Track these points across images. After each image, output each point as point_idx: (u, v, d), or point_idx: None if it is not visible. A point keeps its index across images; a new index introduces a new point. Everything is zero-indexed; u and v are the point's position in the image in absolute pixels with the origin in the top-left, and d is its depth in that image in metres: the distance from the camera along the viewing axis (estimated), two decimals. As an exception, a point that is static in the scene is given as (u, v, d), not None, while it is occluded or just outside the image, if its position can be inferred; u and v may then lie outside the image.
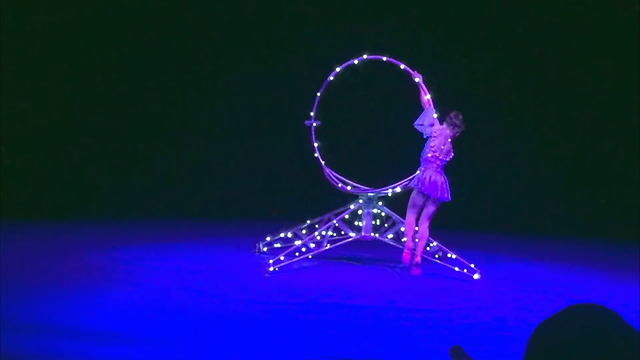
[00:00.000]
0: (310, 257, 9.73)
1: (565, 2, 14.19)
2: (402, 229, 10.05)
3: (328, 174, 10.11)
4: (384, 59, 9.77)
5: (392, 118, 13.72)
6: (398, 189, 9.89)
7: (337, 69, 9.83)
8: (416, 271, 9.25)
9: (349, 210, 10.02)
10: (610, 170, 14.02)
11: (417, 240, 9.31)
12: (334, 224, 9.95)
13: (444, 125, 9.19)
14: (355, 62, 9.84)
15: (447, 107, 9.71)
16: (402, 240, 10.22)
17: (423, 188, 9.12)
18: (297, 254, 9.64)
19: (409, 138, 11.88)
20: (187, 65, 14.67)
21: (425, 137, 9.29)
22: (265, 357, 5.67)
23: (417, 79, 9.59)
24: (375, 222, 10.05)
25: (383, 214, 10.08)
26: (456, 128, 9.22)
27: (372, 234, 9.84)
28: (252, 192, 14.35)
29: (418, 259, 9.25)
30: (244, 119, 14.48)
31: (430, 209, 9.20)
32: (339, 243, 9.83)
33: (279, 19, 14.46)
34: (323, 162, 10.07)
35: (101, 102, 14.24)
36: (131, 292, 7.71)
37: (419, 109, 9.68)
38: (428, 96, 9.47)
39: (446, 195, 9.16)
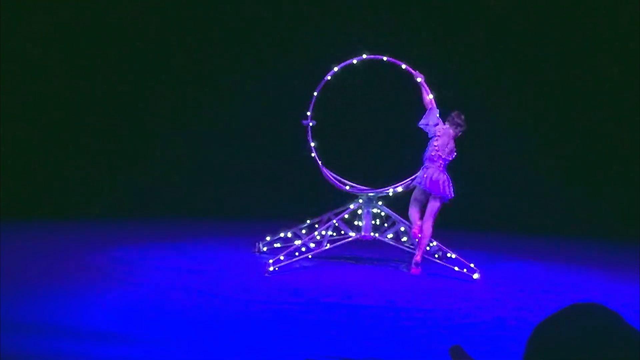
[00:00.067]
0: (310, 256, 9.73)
1: (566, 2, 14.19)
2: (402, 228, 10.08)
3: (327, 174, 10.10)
4: (385, 58, 9.76)
5: (392, 118, 13.73)
6: (400, 189, 9.90)
7: (335, 69, 9.82)
8: (416, 270, 9.27)
9: (349, 210, 10.02)
10: (610, 170, 14.01)
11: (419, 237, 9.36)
12: (334, 223, 9.95)
13: (447, 125, 9.28)
14: (354, 61, 9.84)
15: (447, 107, 9.73)
16: (402, 239, 10.25)
17: (424, 185, 9.22)
18: (297, 253, 9.64)
19: (409, 138, 11.91)
20: (187, 65, 14.67)
21: (429, 136, 9.36)
22: (265, 357, 5.67)
23: (419, 79, 9.60)
24: (375, 221, 10.05)
25: (383, 213, 10.09)
26: (459, 127, 9.35)
27: (372, 234, 9.85)
28: (252, 192, 14.35)
29: (418, 258, 9.28)
30: (244, 118, 14.48)
31: (433, 206, 9.26)
32: (339, 243, 9.83)
33: (278, 19, 14.45)
34: (320, 162, 10.05)
35: (101, 102, 14.24)
36: (131, 292, 7.71)
37: (419, 109, 9.71)
38: (431, 96, 9.50)
39: (448, 192, 9.22)
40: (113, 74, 14.22)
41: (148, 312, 6.90)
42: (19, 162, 13.63)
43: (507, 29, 14.19)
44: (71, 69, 14.01)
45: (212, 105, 14.66)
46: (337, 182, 10.11)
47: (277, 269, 9.14)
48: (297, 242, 9.95)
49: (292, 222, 10.65)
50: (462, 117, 9.40)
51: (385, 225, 10.19)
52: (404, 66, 9.70)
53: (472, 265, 9.30)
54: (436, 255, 9.84)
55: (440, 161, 9.28)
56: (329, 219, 10.21)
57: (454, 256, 9.49)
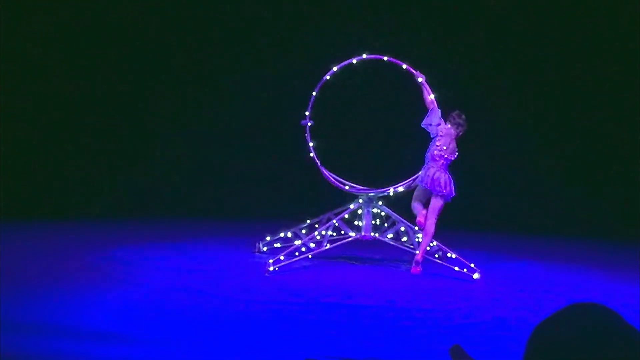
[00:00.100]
0: (310, 256, 9.73)
1: (566, 2, 14.18)
2: (402, 228, 10.09)
3: (326, 174, 10.08)
4: (385, 58, 9.75)
5: (392, 118, 13.73)
6: (400, 189, 9.92)
7: (335, 68, 9.82)
8: (416, 269, 9.27)
9: (349, 209, 10.02)
10: (610, 169, 14.01)
11: (420, 236, 9.39)
12: (334, 223, 9.95)
13: (449, 125, 9.32)
14: (354, 61, 9.83)
15: (447, 107, 9.74)
16: (402, 239, 10.26)
17: (425, 184, 9.27)
18: (297, 253, 9.64)
19: (409, 138, 11.90)
20: (187, 65, 14.67)
21: (432, 136, 9.40)
22: (265, 357, 5.67)
23: (420, 79, 9.61)
24: (375, 221, 10.05)
25: (383, 213, 10.09)
26: (459, 127, 9.42)
27: (372, 234, 9.85)
28: (252, 192, 14.35)
29: (419, 257, 9.28)
30: (244, 118, 14.48)
31: (435, 204, 9.29)
32: (339, 243, 9.83)
33: (278, 19, 14.45)
34: (319, 162, 10.04)
35: (101, 102, 14.24)
36: (131, 292, 7.71)
37: (420, 109, 9.72)
38: (432, 96, 9.52)
39: (449, 190, 9.25)
40: (113, 74, 14.22)
41: (148, 312, 6.90)
42: (19, 162, 13.63)
43: (507, 29, 14.19)
44: (71, 69, 14.01)
45: (212, 105, 14.66)
46: (336, 182, 10.11)
47: (277, 268, 9.14)
48: (297, 242, 9.95)
49: (292, 222, 10.65)
50: (463, 116, 9.44)
51: (385, 225, 10.19)
52: (404, 66, 9.70)
53: (472, 265, 9.30)
54: (436, 255, 9.84)
55: (443, 160, 9.34)
56: (329, 219, 10.21)
57: (454, 256, 9.50)
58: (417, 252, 9.48)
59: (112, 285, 7.96)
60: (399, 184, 9.95)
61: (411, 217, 10.01)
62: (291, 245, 9.87)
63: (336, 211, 10.28)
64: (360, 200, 9.95)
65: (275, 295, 7.86)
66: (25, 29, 13.72)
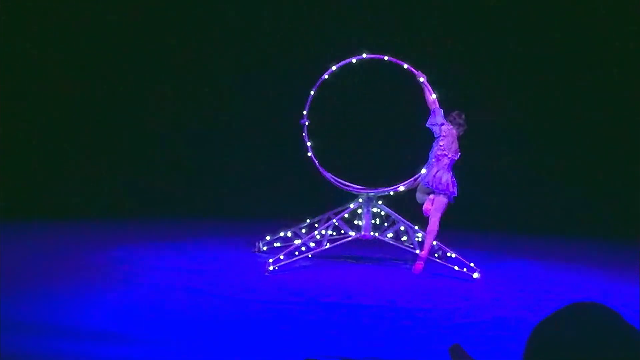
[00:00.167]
0: (310, 256, 9.73)
1: (566, 2, 14.18)
2: (402, 227, 10.09)
3: (325, 174, 10.06)
4: (386, 58, 9.75)
5: (393, 118, 13.74)
6: (402, 188, 9.93)
7: (333, 68, 9.81)
8: (418, 266, 9.24)
9: (349, 209, 10.02)
10: (611, 169, 14.01)
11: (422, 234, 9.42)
12: (334, 223, 9.95)
13: (451, 125, 9.36)
14: (354, 60, 9.83)
15: (448, 106, 9.76)
16: (402, 239, 10.26)
17: (425, 183, 9.32)
18: (296, 253, 9.64)
19: (410, 138, 11.91)
20: (187, 65, 14.67)
21: (435, 136, 9.43)
22: (265, 357, 5.67)
23: (421, 79, 9.61)
24: (375, 221, 10.06)
25: (383, 213, 10.09)
26: (460, 127, 9.50)
27: (372, 233, 9.85)
28: (252, 191, 14.35)
29: (423, 254, 9.27)
30: (244, 118, 14.48)
31: (439, 203, 9.30)
32: (339, 242, 9.83)
33: (278, 19, 14.45)
34: (317, 162, 10.04)
35: (101, 102, 14.24)
36: (131, 291, 7.71)
37: (420, 108, 9.73)
38: (434, 95, 9.53)
39: (452, 190, 9.27)
40: (113, 73, 14.23)
41: (148, 312, 6.89)
42: (19, 162, 13.64)
43: (507, 28, 14.19)
44: (71, 69, 14.02)
45: (212, 105, 14.67)
46: (336, 181, 10.11)
47: (277, 268, 9.14)
48: (297, 242, 9.95)
49: (292, 221, 10.65)
50: (463, 116, 9.51)
51: (385, 224, 10.20)
52: (405, 66, 9.69)
53: (472, 264, 9.30)
54: (436, 255, 9.84)
55: (446, 160, 9.38)
56: (329, 219, 10.22)
57: (454, 255, 9.50)
58: (418, 251, 9.51)
59: (112, 285, 7.96)
60: (399, 184, 9.96)
61: (411, 217, 10.02)
62: (291, 245, 9.87)
63: (336, 210, 10.28)
64: (360, 200, 9.96)
65: (275, 295, 7.86)
66: (25, 29, 13.72)
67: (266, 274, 8.99)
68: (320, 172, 10.08)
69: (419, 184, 9.68)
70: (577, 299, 1.95)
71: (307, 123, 10.00)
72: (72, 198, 13.78)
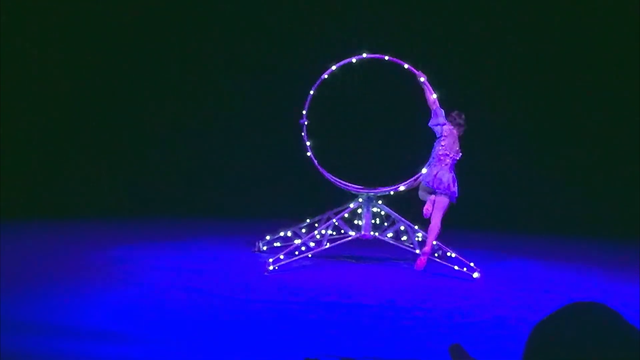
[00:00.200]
0: (309, 255, 9.73)
1: (567, 2, 14.18)
2: (402, 227, 10.10)
3: (325, 173, 10.06)
4: (386, 58, 9.74)
5: (393, 118, 13.74)
6: (402, 188, 9.94)
7: (333, 67, 9.81)
8: (420, 262, 9.21)
9: (349, 209, 10.02)
10: (610, 168, 14.01)
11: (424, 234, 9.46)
12: (334, 222, 9.95)
13: (452, 125, 9.38)
14: (354, 60, 9.82)
15: (448, 106, 9.77)
16: (402, 238, 10.26)
17: (426, 182, 9.37)
18: (296, 252, 9.64)
19: (410, 138, 11.90)
20: (187, 65, 14.67)
21: (437, 136, 9.44)
22: (265, 356, 5.67)
23: (422, 79, 9.60)
24: (375, 220, 10.05)
25: (383, 212, 10.09)
26: (460, 127, 9.52)
27: (372, 233, 9.85)
28: (252, 191, 14.35)
29: (427, 248, 9.25)
30: (243, 118, 14.48)
31: (440, 203, 9.32)
32: (339, 242, 9.83)
33: (279, 19, 14.45)
34: (316, 162, 10.04)
35: (101, 102, 14.24)
36: (131, 291, 7.71)
37: (420, 108, 9.74)
38: (435, 95, 9.53)
39: (453, 190, 9.29)
40: (113, 73, 14.23)
41: (148, 312, 6.89)
42: (19, 162, 13.64)
43: (508, 28, 14.19)
44: (71, 69, 14.02)
45: (212, 105, 14.66)
46: (335, 181, 10.10)
47: (276, 268, 9.14)
48: (297, 241, 9.95)
49: (292, 221, 10.65)
50: (463, 116, 9.52)
51: (385, 224, 10.20)
52: (406, 66, 9.69)
53: (472, 264, 9.30)
54: (436, 255, 9.84)
55: (448, 160, 9.41)
56: (329, 218, 10.22)
57: (453, 255, 9.50)
58: (418, 251, 9.53)
59: (111, 285, 7.96)
60: (400, 184, 9.97)
61: (411, 217, 10.02)
62: (291, 245, 9.88)
63: (336, 210, 10.28)
64: (360, 200, 9.95)
65: (275, 295, 7.86)
66: (25, 29, 13.72)
67: (266, 273, 8.99)
68: (319, 172, 10.07)
69: (419, 183, 9.71)
70: (577, 299, 1.95)
71: (306, 123, 10.00)
72: (72, 198, 13.78)
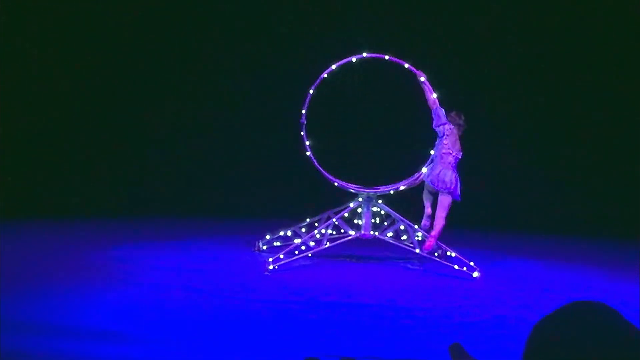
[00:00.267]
0: (309, 255, 9.73)
1: (567, 2, 14.17)
2: (402, 227, 10.10)
3: (327, 175, 10.04)
4: (386, 57, 9.74)
5: (392, 117, 13.73)
6: (402, 187, 9.96)
7: (333, 67, 9.80)
8: (429, 244, 9.36)
9: (349, 208, 10.02)
10: (610, 168, 14.00)
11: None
12: (334, 222, 9.95)
13: (452, 125, 9.45)
14: (354, 59, 9.82)
15: (448, 106, 9.80)
16: (402, 238, 10.27)
17: (429, 180, 9.45)
18: (296, 252, 9.64)
19: (410, 137, 11.90)
20: (187, 64, 14.66)
21: (439, 136, 9.51)
22: (265, 356, 5.67)
23: (422, 78, 9.62)
24: (375, 220, 10.06)
25: (383, 212, 10.09)
26: (460, 127, 9.63)
27: (372, 232, 9.85)
28: (252, 190, 14.34)
29: (434, 232, 9.35)
30: (243, 116, 14.47)
31: (443, 201, 9.43)
32: (339, 241, 9.83)
33: (278, 18, 14.44)
34: (316, 161, 10.03)
35: (101, 101, 14.23)
36: (131, 291, 7.71)
37: (420, 108, 9.76)
38: (435, 95, 9.56)
39: (454, 189, 9.37)
40: (113, 73, 14.21)
41: (148, 311, 6.90)
42: (19, 162, 13.63)
43: (508, 28, 14.18)
44: (71, 69, 14.01)
45: (212, 105, 14.65)
46: (335, 180, 10.10)
47: (276, 267, 9.14)
48: (297, 241, 9.95)
49: (292, 220, 10.65)
50: (462, 116, 9.62)
51: (385, 223, 10.20)
52: (406, 65, 9.69)
53: (471, 263, 9.31)
54: (436, 254, 9.84)
55: (451, 158, 9.50)
56: (329, 218, 10.22)
57: (453, 255, 9.50)
58: (418, 250, 9.64)
59: (111, 285, 7.96)
60: (400, 183, 9.98)
61: (411, 216, 10.02)
62: (291, 244, 9.87)
63: (336, 210, 10.28)
64: (360, 199, 9.95)
65: (275, 294, 7.87)
66: (25, 29, 13.72)
67: (266, 273, 8.99)
68: (319, 172, 10.06)
69: (419, 183, 9.78)
70: (577, 298, 1.95)
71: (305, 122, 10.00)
72: (72, 198, 13.78)
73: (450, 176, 9.41)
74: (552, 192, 14.15)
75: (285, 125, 12.45)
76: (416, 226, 9.85)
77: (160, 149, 14.64)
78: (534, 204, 14.17)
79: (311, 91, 9.84)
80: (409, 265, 10.00)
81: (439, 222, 9.43)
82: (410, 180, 9.95)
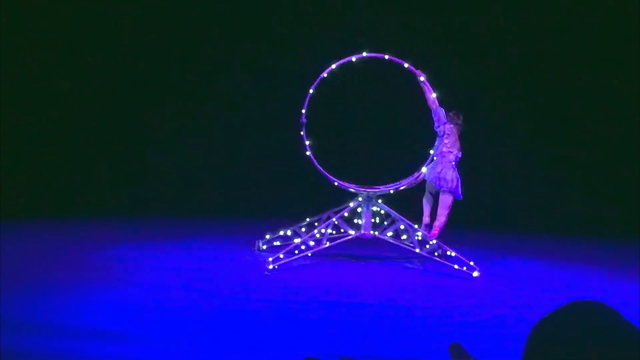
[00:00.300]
0: (309, 254, 9.73)
1: (568, 2, 14.16)
2: (402, 226, 10.11)
3: (327, 174, 10.04)
4: (386, 57, 9.75)
5: (392, 117, 13.73)
6: (402, 187, 9.97)
7: (333, 66, 9.80)
8: (433, 233, 9.48)
9: (349, 208, 10.02)
10: (610, 168, 14.00)
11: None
12: (334, 221, 9.95)
13: (452, 124, 9.51)
14: (354, 59, 9.82)
15: (449, 106, 9.81)
16: (402, 237, 10.27)
17: (430, 179, 9.48)
18: (296, 251, 9.64)
19: (409, 137, 11.89)
20: (187, 64, 14.65)
21: (439, 135, 9.54)
22: (265, 355, 5.68)
23: (421, 78, 9.64)
24: (375, 219, 10.06)
25: (382, 211, 10.10)
26: (459, 127, 9.71)
27: (372, 232, 9.85)
28: (251, 190, 14.34)
29: (438, 223, 9.42)
30: (243, 116, 14.46)
31: (444, 199, 9.50)
32: (339, 241, 9.84)
33: (278, 18, 14.44)
34: (316, 161, 10.03)
35: (101, 101, 14.23)
36: (131, 290, 7.72)
37: (420, 107, 9.76)
38: (434, 95, 9.59)
39: (456, 188, 9.42)
40: (113, 73, 14.21)
41: (148, 311, 6.90)
42: (19, 162, 13.63)
43: (508, 28, 14.17)
44: (71, 69, 14.01)
45: (212, 105, 14.65)
46: (335, 180, 10.10)
47: (276, 267, 9.14)
48: (297, 240, 9.95)
49: (292, 220, 10.65)
50: (461, 116, 9.71)
51: (385, 223, 10.20)
52: (406, 65, 9.70)
53: (471, 263, 9.31)
54: (436, 254, 9.85)
55: (452, 156, 9.58)
56: (329, 217, 10.22)
57: (453, 254, 9.51)
58: (418, 250, 9.67)
59: (111, 284, 7.96)
60: (400, 182, 9.99)
61: (411, 215, 10.03)
62: (291, 244, 9.88)
63: (336, 209, 10.28)
64: (360, 199, 9.96)
65: (275, 294, 7.87)
66: (25, 29, 13.71)
67: (266, 272, 9.00)
68: (319, 171, 10.06)
69: (418, 182, 9.82)
70: (576, 298, 1.95)
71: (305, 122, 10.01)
72: (72, 198, 13.78)
73: (451, 175, 9.50)
74: (552, 192, 14.15)
75: (285, 125, 12.45)
76: (416, 226, 9.86)
77: (160, 149, 14.64)
78: (534, 204, 14.16)
79: (311, 91, 9.84)
80: (408, 265, 10.00)
81: (441, 218, 9.50)
82: (410, 179, 9.98)
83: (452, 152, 9.55)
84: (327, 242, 9.76)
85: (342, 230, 10.08)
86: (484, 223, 13.38)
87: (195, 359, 5.61)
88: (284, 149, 13.70)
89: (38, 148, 13.87)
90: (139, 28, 14.27)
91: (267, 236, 10.57)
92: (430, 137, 9.96)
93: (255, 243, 10.61)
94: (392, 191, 10.05)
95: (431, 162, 9.81)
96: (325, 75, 9.81)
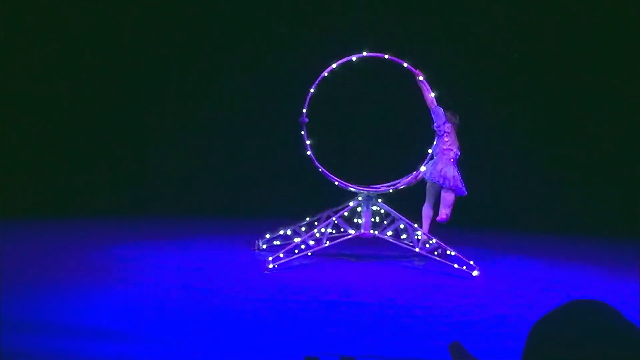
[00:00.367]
0: (309, 254, 9.74)
1: (568, 2, 14.16)
2: (402, 226, 10.12)
3: (327, 174, 10.04)
4: (386, 56, 9.76)
5: (392, 117, 13.73)
6: (401, 186, 9.99)
7: (334, 65, 9.81)
8: (442, 216, 9.57)
9: (349, 207, 10.03)
10: (610, 168, 14.00)
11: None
12: (334, 221, 9.96)
13: (450, 123, 9.58)
14: (354, 58, 9.83)
15: (449, 106, 9.83)
16: (402, 237, 10.28)
17: (432, 177, 9.57)
18: (296, 251, 9.64)
19: (409, 136, 11.89)
20: (187, 64, 14.66)
21: (439, 134, 9.57)
22: (265, 355, 5.68)
23: (420, 77, 9.66)
24: (375, 219, 10.07)
25: (382, 211, 10.10)
26: (455, 126, 9.83)
27: (372, 231, 9.86)
28: (251, 189, 14.35)
29: (444, 210, 9.56)
30: (243, 116, 14.46)
31: (446, 197, 9.53)
32: (339, 240, 9.84)
33: (278, 18, 14.44)
34: (316, 161, 10.02)
35: (101, 101, 14.23)
36: (131, 290, 7.72)
37: (420, 107, 9.78)
38: (432, 94, 9.62)
39: (457, 184, 9.47)
40: (113, 73, 14.21)
41: (148, 311, 6.90)
42: (19, 162, 13.63)
43: (508, 28, 14.17)
44: (71, 69, 14.01)
45: (212, 104, 14.65)
46: (335, 180, 10.10)
47: (276, 266, 9.15)
48: (297, 240, 9.95)
49: (292, 219, 10.66)
50: (457, 116, 9.84)
51: (385, 222, 10.21)
52: (405, 64, 9.71)
53: (471, 262, 9.31)
54: (436, 253, 9.85)
55: (452, 154, 9.67)
56: (329, 217, 10.22)
57: (453, 253, 9.51)
58: (418, 249, 9.71)
59: (111, 284, 7.96)
60: (399, 182, 10.00)
61: (411, 215, 10.03)
62: (291, 243, 9.88)
63: (336, 209, 10.29)
64: (360, 198, 9.96)
65: (274, 293, 7.87)
66: (25, 29, 13.71)
67: (266, 272, 9.00)
68: (319, 171, 10.07)
69: (418, 181, 9.87)
70: (576, 297, 1.95)
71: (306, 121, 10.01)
72: (72, 197, 13.78)
73: (452, 172, 9.58)
74: (552, 191, 14.15)
75: (285, 125, 12.45)
76: (416, 225, 9.86)
77: (160, 149, 14.64)
78: (534, 204, 14.17)
79: (312, 90, 9.85)
80: (408, 264, 10.01)
81: (444, 214, 9.58)
82: (409, 178, 10.00)
83: (452, 150, 9.62)
84: (327, 242, 9.76)
85: (342, 229, 10.09)
86: (484, 222, 13.38)
87: (195, 359, 5.61)
88: (284, 149, 13.70)
89: (38, 148, 13.87)
90: (139, 28, 14.27)
91: (267, 235, 10.57)
92: (430, 136, 9.98)
93: (255, 243, 10.61)
94: (391, 190, 10.05)
95: (430, 160, 9.86)
96: (326, 74, 9.82)
